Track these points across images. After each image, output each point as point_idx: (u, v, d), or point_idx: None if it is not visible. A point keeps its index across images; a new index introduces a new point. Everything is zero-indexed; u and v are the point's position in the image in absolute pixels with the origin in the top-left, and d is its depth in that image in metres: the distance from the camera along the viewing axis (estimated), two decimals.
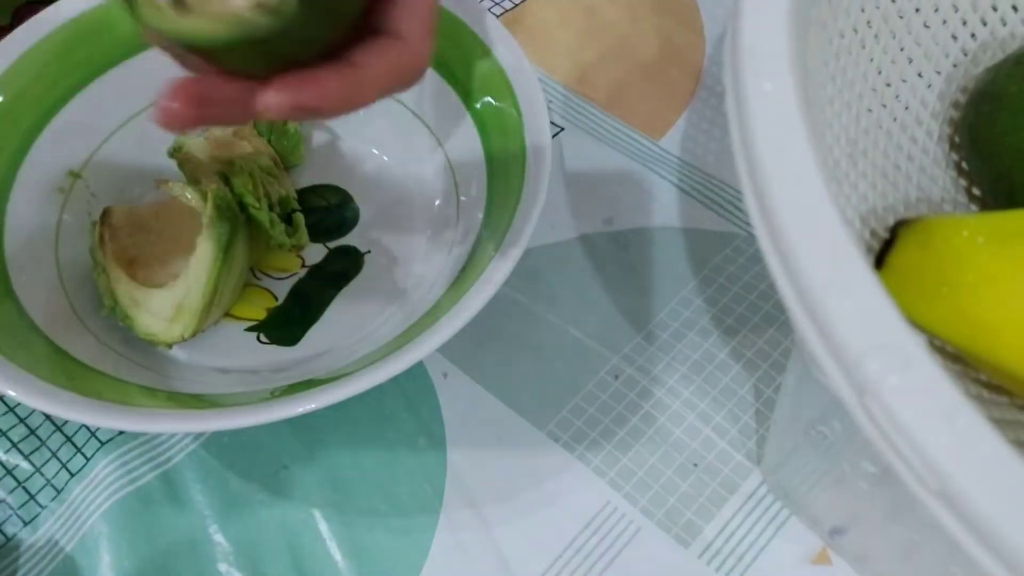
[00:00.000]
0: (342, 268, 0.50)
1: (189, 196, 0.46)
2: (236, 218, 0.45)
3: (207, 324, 0.46)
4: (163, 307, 0.44)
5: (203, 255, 0.44)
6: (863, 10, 0.33)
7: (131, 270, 0.45)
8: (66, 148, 0.48)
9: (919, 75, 0.37)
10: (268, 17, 0.27)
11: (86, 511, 0.43)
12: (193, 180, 0.46)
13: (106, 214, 0.46)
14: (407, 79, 0.33)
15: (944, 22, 0.37)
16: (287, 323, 0.48)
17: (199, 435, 0.45)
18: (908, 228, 0.30)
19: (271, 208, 0.48)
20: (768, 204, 0.22)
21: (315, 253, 0.51)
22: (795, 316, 0.21)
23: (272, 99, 0.30)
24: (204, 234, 0.44)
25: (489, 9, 0.61)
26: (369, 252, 0.51)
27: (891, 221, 0.33)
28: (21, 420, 0.46)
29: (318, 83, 0.30)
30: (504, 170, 0.45)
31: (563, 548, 0.41)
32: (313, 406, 0.36)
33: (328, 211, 0.52)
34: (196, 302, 0.44)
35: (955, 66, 0.38)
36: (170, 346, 0.45)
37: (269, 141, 0.52)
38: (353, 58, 0.31)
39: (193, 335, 0.44)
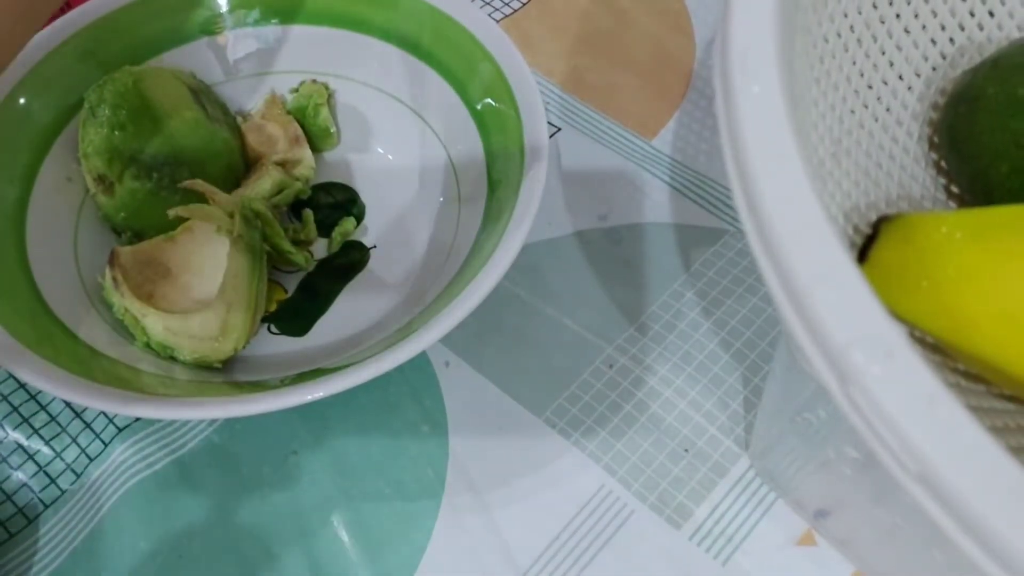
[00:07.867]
0: (349, 262, 0.51)
1: (209, 214, 0.45)
2: (257, 225, 0.46)
3: (254, 331, 0.46)
4: (207, 328, 0.43)
5: (238, 267, 0.44)
6: (846, 15, 0.33)
7: (152, 304, 0.44)
8: None
9: (900, 78, 0.37)
10: None
11: (104, 495, 0.44)
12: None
13: (113, 256, 0.45)
14: None
15: (924, 27, 0.37)
16: (296, 315, 0.49)
17: (212, 422, 0.46)
18: (890, 224, 0.30)
19: (284, 230, 0.49)
20: (756, 201, 0.22)
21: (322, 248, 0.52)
22: (782, 308, 0.22)
23: None
24: (235, 247, 0.44)
25: (489, 15, 0.62)
26: (375, 247, 0.51)
27: (873, 217, 0.32)
28: (42, 407, 0.46)
29: None
30: (503, 168, 0.46)
31: (560, 530, 0.42)
32: (321, 394, 0.37)
33: (336, 207, 0.53)
34: (241, 313, 0.44)
35: (934, 69, 0.38)
36: (223, 364, 0.44)
37: (301, 124, 0.53)
38: None
39: (244, 346, 0.44)
